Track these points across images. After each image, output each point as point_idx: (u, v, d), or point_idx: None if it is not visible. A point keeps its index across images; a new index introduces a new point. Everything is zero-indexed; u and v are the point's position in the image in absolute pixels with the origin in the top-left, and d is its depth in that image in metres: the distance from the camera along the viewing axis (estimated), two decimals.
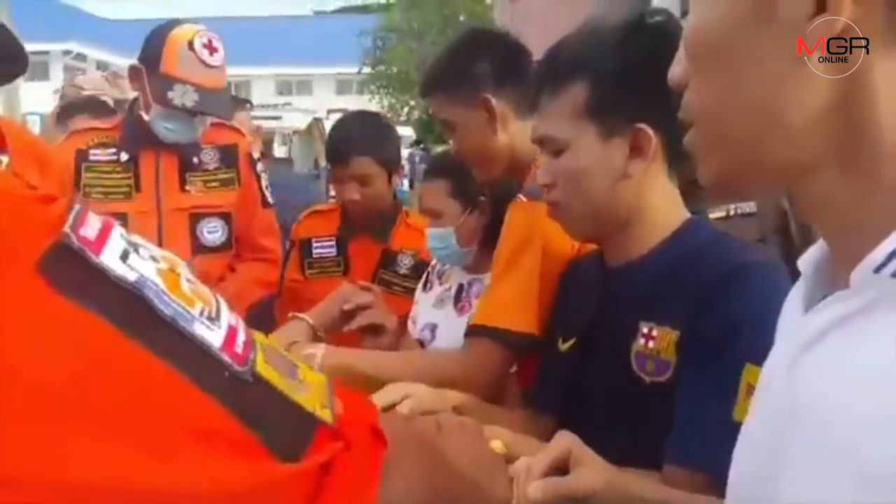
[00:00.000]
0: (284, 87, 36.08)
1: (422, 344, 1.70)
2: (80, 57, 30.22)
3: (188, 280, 0.48)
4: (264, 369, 0.48)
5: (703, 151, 0.55)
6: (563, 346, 1.18)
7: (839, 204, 0.50)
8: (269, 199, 2.29)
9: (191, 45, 2.01)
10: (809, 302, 0.54)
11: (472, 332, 1.30)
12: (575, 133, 1.07)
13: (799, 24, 0.47)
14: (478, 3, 23.89)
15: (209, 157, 2.16)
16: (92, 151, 2.08)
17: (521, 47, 1.49)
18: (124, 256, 0.45)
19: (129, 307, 0.43)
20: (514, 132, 1.42)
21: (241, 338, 0.48)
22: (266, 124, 8.51)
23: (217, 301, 0.49)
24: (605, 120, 1.05)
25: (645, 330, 1.04)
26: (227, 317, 0.48)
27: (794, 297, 0.58)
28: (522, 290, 1.26)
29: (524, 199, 1.32)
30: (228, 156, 2.18)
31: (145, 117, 2.06)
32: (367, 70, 25.31)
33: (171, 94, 1.99)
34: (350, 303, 1.53)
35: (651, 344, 1.03)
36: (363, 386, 1.21)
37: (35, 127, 4.99)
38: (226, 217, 2.16)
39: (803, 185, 0.52)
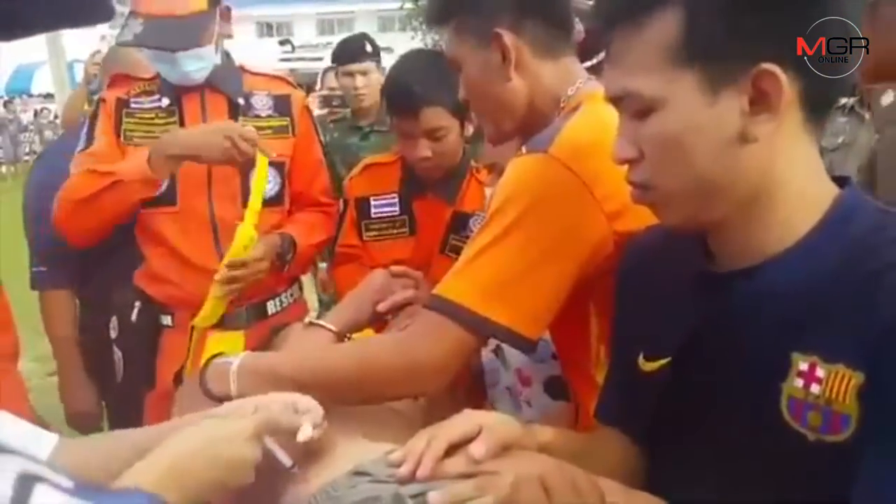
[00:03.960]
0: (326, 27, 35.70)
1: None
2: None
3: None
4: None
5: None
6: (648, 366, 0.91)
7: None
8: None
9: None
10: None
11: (431, 303, 1.05)
12: (667, 85, 0.76)
13: None
14: None
15: (261, 104, 1.96)
16: (133, 100, 1.93)
17: None
18: None
19: None
20: (534, 77, 1.14)
21: None
22: (309, 66, 8.36)
23: None
24: (710, 63, 0.75)
25: (804, 366, 0.74)
26: None
27: None
28: (516, 272, 0.99)
29: (527, 152, 1.05)
30: (281, 104, 1.99)
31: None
32: (409, 6, 24.77)
33: (119, 31, 1.73)
34: (386, 301, 1.26)
35: (816, 388, 0.74)
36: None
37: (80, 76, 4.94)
38: (279, 168, 1.94)
39: None
